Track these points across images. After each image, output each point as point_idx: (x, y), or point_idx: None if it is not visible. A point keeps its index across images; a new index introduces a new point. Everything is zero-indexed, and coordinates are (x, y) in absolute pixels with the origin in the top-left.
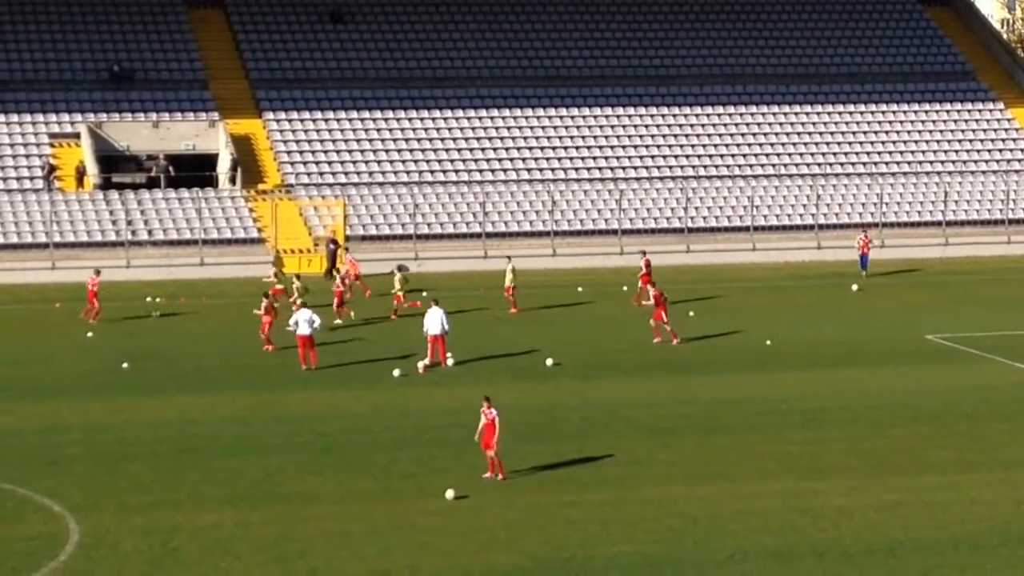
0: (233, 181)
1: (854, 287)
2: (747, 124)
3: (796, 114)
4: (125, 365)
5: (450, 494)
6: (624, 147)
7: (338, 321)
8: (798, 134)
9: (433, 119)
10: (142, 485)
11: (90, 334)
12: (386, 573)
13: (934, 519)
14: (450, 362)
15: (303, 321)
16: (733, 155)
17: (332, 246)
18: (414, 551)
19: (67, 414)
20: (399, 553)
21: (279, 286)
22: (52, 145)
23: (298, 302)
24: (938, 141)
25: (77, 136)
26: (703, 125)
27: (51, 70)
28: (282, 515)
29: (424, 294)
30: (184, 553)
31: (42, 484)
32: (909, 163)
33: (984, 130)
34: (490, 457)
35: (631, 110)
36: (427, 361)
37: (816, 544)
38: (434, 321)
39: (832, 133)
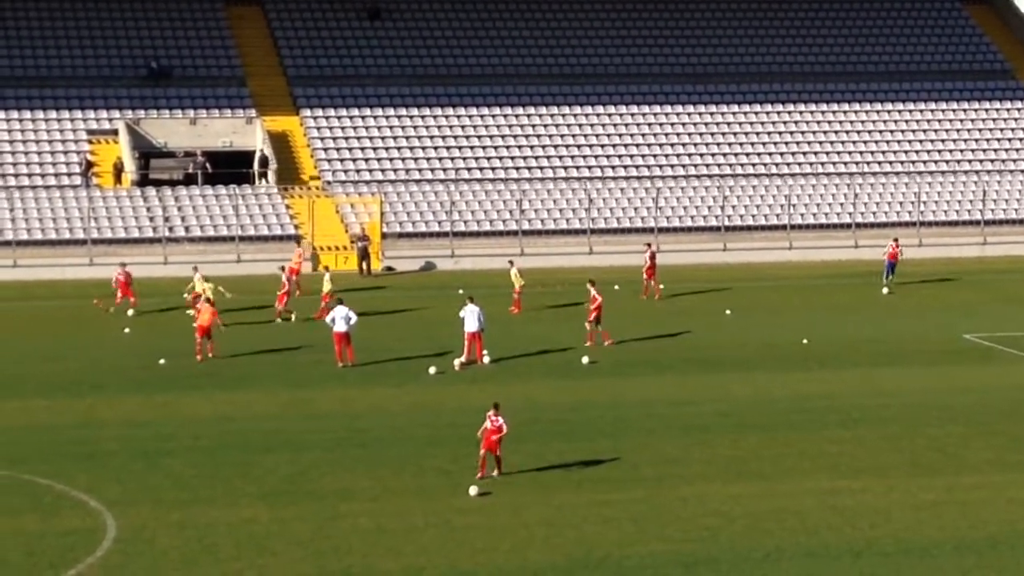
0: (264, 177)
1: (884, 290)
2: (784, 122)
3: (833, 112)
4: (162, 361)
5: (473, 491)
6: (661, 145)
7: (278, 320)
8: (835, 132)
9: (470, 116)
10: (179, 481)
11: (127, 330)
12: (421, 570)
13: (971, 519)
14: (486, 360)
15: (339, 318)
16: (770, 153)
17: (362, 243)
18: (449, 549)
19: (104, 410)
20: (434, 550)
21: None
22: (90, 142)
23: (201, 301)
24: (976, 139)
25: (115, 133)
26: (740, 123)
27: (89, 67)
28: (317, 512)
29: (460, 291)
30: (220, 549)
31: (79, 479)
32: (947, 162)
33: (1023, 128)
34: (482, 456)
35: (668, 108)
36: (463, 359)
37: (853, 543)
38: (470, 318)
39: (870, 132)
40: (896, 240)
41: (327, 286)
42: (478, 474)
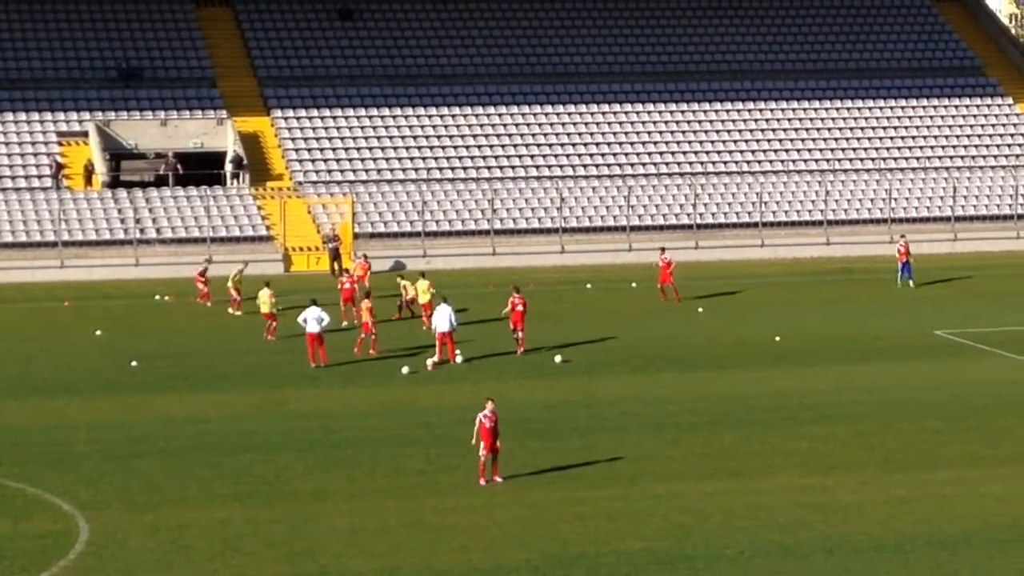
0: (236, 178)
1: (910, 284)
2: (756, 120)
3: (805, 110)
4: (134, 363)
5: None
6: (632, 144)
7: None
8: (807, 130)
9: (441, 116)
10: (151, 483)
11: (99, 332)
12: (396, 570)
13: (944, 514)
14: (459, 359)
15: (311, 319)
16: (742, 151)
17: (334, 244)
18: (424, 548)
19: (76, 412)
20: (409, 550)
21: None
22: (60, 144)
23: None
24: (947, 136)
25: (85, 135)
26: (711, 121)
27: (59, 68)
28: (291, 513)
29: (432, 292)
30: (194, 550)
31: (51, 482)
32: (918, 159)
33: (993, 125)
34: (484, 460)
35: (639, 107)
36: (436, 358)
37: (826, 540)
38: (442, 318)
39: (841, 129)
40: (904, 237)
41: (425, 295)
42: (481, 480)
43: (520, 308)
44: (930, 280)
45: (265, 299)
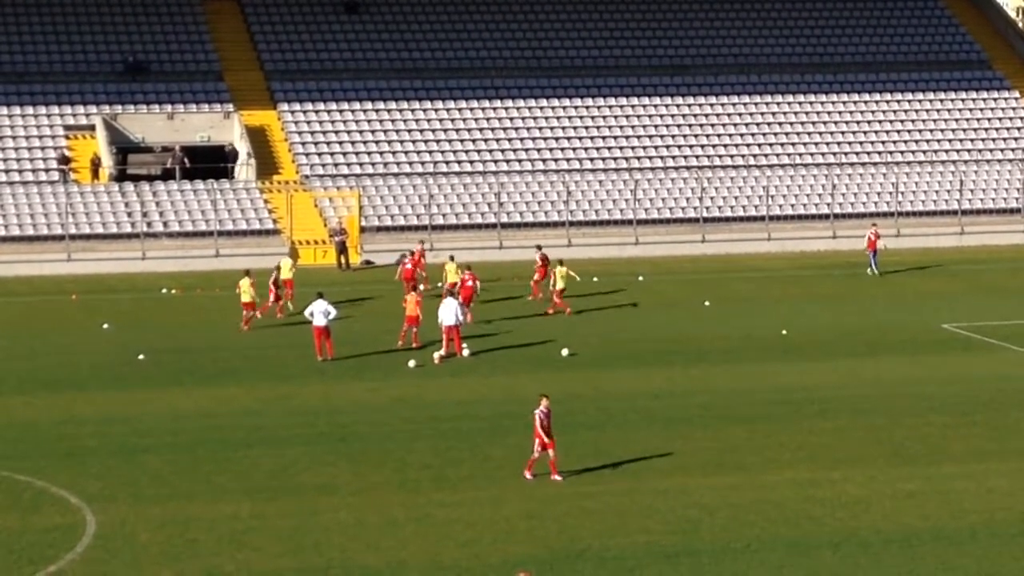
0: (232, 172)
1: (876, 272)
2: (762, 114)
3: (811, 103)
4: (141, 357)
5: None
6: (639, 137)
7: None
8: (813, 123)
9: (448, 110)
10: (159, 476)
11: (106, 326)
12: (403, 564)
13: (951, 508)
14: (466, 353)
15: (318, 312)
16: (748, 145)
17: (340, 237)
18: (431, 542)
19: (83, 406)
20: (416, 545)
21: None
22: (67, 137)
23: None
24: (953, 130)
25: (92, 128)
26: (718, 115)
27: (66, 62)
28: (298, 507)
29: (439, 285)
30: (201, 544)
31: (59, 476)
32: (924, 152)
33: (1000, 119)
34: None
35: (646, 100)
36: (442, 352)
37: (833, 534)
38: (448, 312)
39: (847, 122)
40: (874, 227)
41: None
42: (527, 473)
43: (470, 284)
44: (937, 274)
45: (246, 288)
